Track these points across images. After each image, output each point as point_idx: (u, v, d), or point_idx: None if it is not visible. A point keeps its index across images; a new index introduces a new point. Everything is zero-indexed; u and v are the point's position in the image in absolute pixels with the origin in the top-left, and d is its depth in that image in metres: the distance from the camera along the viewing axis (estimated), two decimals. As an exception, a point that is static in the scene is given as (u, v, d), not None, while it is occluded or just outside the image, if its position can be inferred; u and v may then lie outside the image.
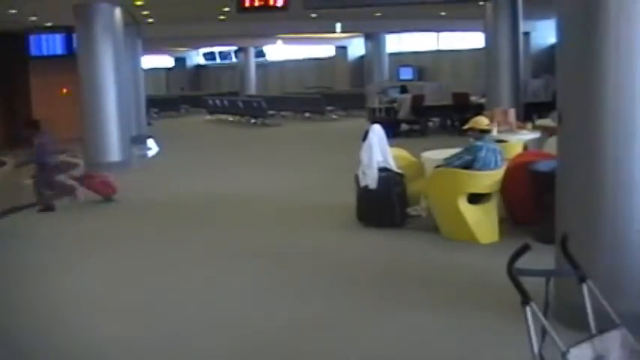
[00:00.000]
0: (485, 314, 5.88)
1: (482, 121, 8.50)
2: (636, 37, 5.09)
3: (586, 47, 5.24)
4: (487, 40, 15.99)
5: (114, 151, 15.45)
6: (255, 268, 7.59)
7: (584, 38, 5.26)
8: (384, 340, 5.53)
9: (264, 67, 43.16)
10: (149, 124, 22.83)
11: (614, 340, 3.37)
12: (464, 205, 8.13)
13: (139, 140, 18.16)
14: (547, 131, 11.06)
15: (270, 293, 6.81)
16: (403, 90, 22.37)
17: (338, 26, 24.94)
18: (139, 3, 16.57)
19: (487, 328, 5.61)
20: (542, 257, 4.46)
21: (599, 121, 5.18)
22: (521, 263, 3.34)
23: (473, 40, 28.65)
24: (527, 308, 3.28)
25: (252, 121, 26.70)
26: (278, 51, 42.57)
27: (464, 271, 7.20)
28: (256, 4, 13.23)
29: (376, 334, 5.66)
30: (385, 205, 8.92)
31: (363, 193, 9.07)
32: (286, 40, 36.02)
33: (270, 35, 32.21)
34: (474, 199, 8.23)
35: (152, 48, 31.86)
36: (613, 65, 5.10)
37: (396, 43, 35.55)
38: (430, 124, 21.75)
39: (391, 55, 33.98)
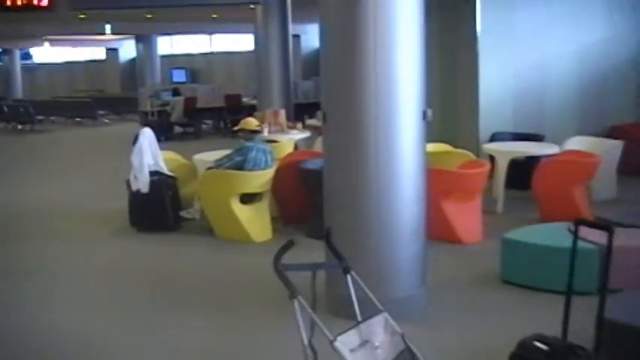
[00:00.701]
0: (260, 310, 5.98)
1: (251, 123, 8.66)
2: (393, 41, 5.35)
3: (347, 50, 5.43)
4: (258, 43, 16.19)
5: None
6: (28, 285, 7.18)
7: (345, 41, 5.45)
8: (161, 349, 5.44)
9: (32, 70, 41.36)
10: None
11: (377, 325, 3.57)
12: (236, 206, 8.21)
13: None
14: (316, 131, 11.40)
15: (43, 309, 6.45)
16: (176, 93, 22.22)
17: (107, 27, 24.36)
18: None
19: (263, 324, 5.71)
20: (314, 252, 4.62)
21: (360, 120, 5.40)
22: (295, 259, 3.44)
23: (245, 42, 28.94)
24: (295, 302, 3.39)
25: (20, 127, 25.41)
26: (46, 53, 40.93)
27: (239, 271, 7.26)
28: (19, 3, 12.61)
29: (153, 342, 5.56)
30: (158, 208, 8.83)
31: (135, 197, 8.92)
32: (54, 42, 34.69)
33: (37, 37, 30.90)
34: (247, 199, 8.34)
35: None
36: (372, 68, 5.32)
37: (168, 45, 35.28)
38: (204, 126, 21.79)
39: (163, 57, 33.64)
